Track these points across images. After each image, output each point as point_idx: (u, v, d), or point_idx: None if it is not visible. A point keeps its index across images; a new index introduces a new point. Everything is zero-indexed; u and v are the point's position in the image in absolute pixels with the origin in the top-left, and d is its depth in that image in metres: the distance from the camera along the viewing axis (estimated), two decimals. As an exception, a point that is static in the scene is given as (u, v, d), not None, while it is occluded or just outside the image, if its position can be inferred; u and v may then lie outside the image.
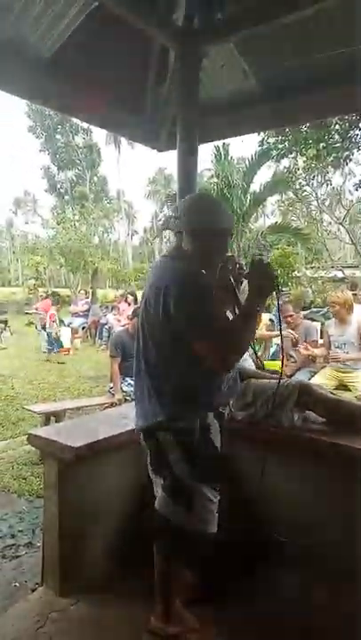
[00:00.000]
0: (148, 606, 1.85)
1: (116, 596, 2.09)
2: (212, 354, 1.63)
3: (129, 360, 5.19)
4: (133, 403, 1.90)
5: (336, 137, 11.24)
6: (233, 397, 2.09)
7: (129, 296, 13.04)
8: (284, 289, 14.25)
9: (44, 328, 11.77)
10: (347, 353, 4.75)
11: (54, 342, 11.01)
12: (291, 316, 5.46)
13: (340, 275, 16.84)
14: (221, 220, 1.80)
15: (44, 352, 10.88)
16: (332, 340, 4.90)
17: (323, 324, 5.34)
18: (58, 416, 4.84)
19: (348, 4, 2.62)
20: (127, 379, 5.24)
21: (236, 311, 1.82)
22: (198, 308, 1.61)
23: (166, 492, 1.74)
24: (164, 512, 1.75)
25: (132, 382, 5.58)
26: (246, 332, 1.72)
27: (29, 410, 5.21)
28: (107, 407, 4.93)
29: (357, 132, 11.24)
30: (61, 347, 10.99)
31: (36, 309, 13.25)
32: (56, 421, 4.65)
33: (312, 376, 4.97)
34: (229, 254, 1.91)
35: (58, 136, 36.59)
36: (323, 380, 4.71)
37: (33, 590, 2.26)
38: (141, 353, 1.78)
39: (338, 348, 4.81)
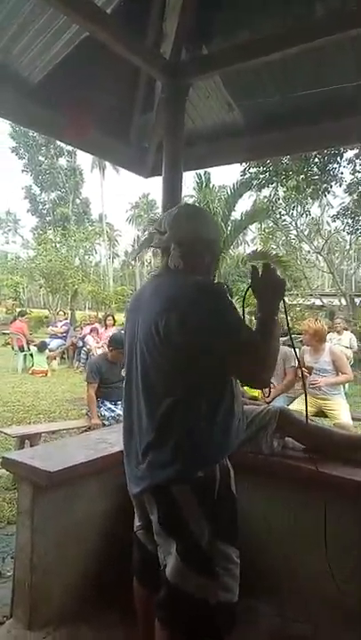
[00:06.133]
0: (126, 637, 1.78)
1: (92, 628, 2.02)
2: (252, 367, 1.42)
3: (108, 386, 5.14)
4: (112, 427, 1.85)
5: (315, 169, 11.62)
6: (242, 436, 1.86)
7: (109, 318, 12.98)
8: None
9: (21, 349, 11.59)
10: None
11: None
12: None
13: (318, 302, 17.12)
14: (212, 230, 1.69)
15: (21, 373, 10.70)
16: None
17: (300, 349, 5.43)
18: (33, 439, 4.73)
19: (330, 46, 2.75)
20: (106, 402, 5.20)
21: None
22: (234, 318, 1.42)
23: (183, 558, 1.43)
24: (183, 585, 1.43)
25: (112, 407, 5.46)
26: (276, 342, 1.51)
27: (3, 432, 5.08)
28: (84, 431, 4.84)
29: (335, 165, 11.65)
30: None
31: (12, 329, 13.03)
32: (31, 445, 4.54)
33: (290, 402, 5.01)
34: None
35: (41, 157, 36.80)
36: (301, 407, 4.73)
37: (1, 623, 2.16)
38: (142, 392, 1.51)
39: (314, 374, 4.88)
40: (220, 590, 1.43)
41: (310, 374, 4.87)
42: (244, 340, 1.41)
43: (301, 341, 5.35)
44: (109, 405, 5.18)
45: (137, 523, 1.72)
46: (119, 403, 5.30)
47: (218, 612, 1.42)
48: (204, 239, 1.59)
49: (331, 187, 12.33)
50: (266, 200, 15.90)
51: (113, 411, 5.17)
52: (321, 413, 4.86)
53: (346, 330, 9.87)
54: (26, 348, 11.60)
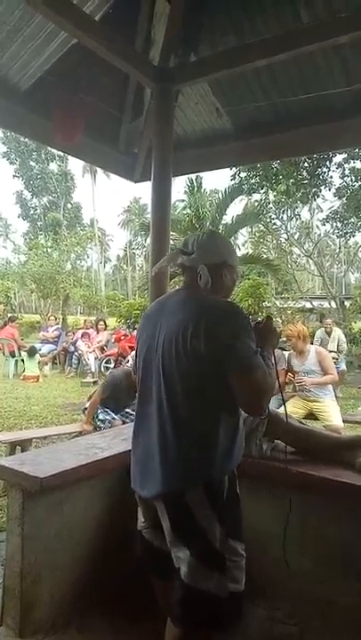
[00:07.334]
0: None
1: (83, 635, 2.01)
2: (257, 392, 1.50)
3: (115, 400, 5.16)
4: (102, 432, 1.86)
5: (305, 174, 11.72)
6: None
7: (100, 323, 12.94)
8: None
9: (12, 355, 11.52)
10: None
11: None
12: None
13: (308, 305, 17.22)
14: (235, 257, 1.81)
15: (12, 379, 10.62)
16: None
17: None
18: (24, 445, 4.70)
19: (316, 52, 2.79)
20: (107, 409, 5.21)
21: None
22: (253, 343, 1.52)
23: (198, 559, 1.51)
24: (199, 584, 1.50)
25: (109, 411, 5.43)
26: (273, 376, 1.61)
27: (-6, 439, 5.04)
28: (75, 436, 4.83)
29: (324, 169, 11.76)
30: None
31: (3, 335, 12.91)
32: (22, 451, 4.52)
33: (280, 405, 5.03)
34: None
35: (32, 163, 36.67)
36: (292, 409, 4.76)
37: (-9, 631, 2.15)
38: (166, 402, 1.55)
39: (300, 377, 4.93)
40: (229, 582, 1.52)
41: (294, 377, 4.93)
42: (258, 363, 1.50)
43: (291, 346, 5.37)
44: (108, 410, 5.19)
45: (142, 521, 1.76)
46: (116, 410, 5.31)
47: (228, 603, 1.52)
48: (228, 264, 1.72)
49: (320, 191, 12.46)
50: (257, 204, 16.00)
51: (109, 414, 5.18)
52: (311, 416, 4.88)
53: (334, 329, 10.31)
54: (17, 354, 11.52)
